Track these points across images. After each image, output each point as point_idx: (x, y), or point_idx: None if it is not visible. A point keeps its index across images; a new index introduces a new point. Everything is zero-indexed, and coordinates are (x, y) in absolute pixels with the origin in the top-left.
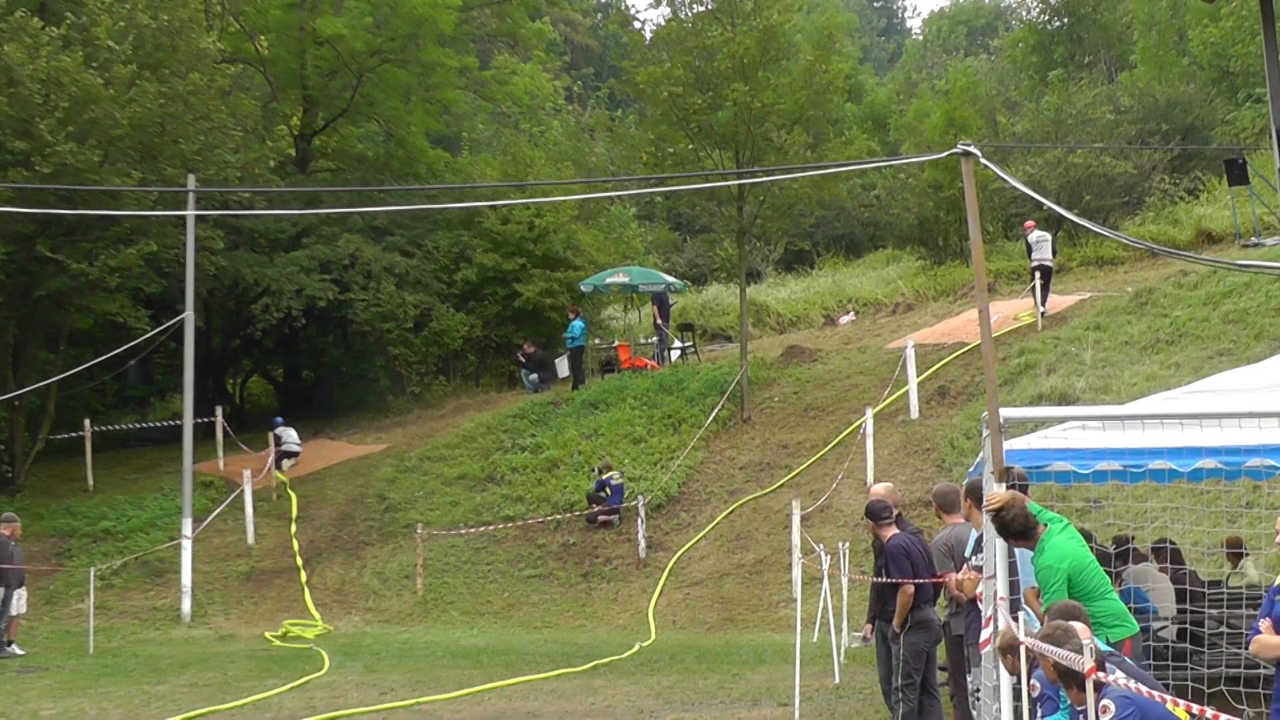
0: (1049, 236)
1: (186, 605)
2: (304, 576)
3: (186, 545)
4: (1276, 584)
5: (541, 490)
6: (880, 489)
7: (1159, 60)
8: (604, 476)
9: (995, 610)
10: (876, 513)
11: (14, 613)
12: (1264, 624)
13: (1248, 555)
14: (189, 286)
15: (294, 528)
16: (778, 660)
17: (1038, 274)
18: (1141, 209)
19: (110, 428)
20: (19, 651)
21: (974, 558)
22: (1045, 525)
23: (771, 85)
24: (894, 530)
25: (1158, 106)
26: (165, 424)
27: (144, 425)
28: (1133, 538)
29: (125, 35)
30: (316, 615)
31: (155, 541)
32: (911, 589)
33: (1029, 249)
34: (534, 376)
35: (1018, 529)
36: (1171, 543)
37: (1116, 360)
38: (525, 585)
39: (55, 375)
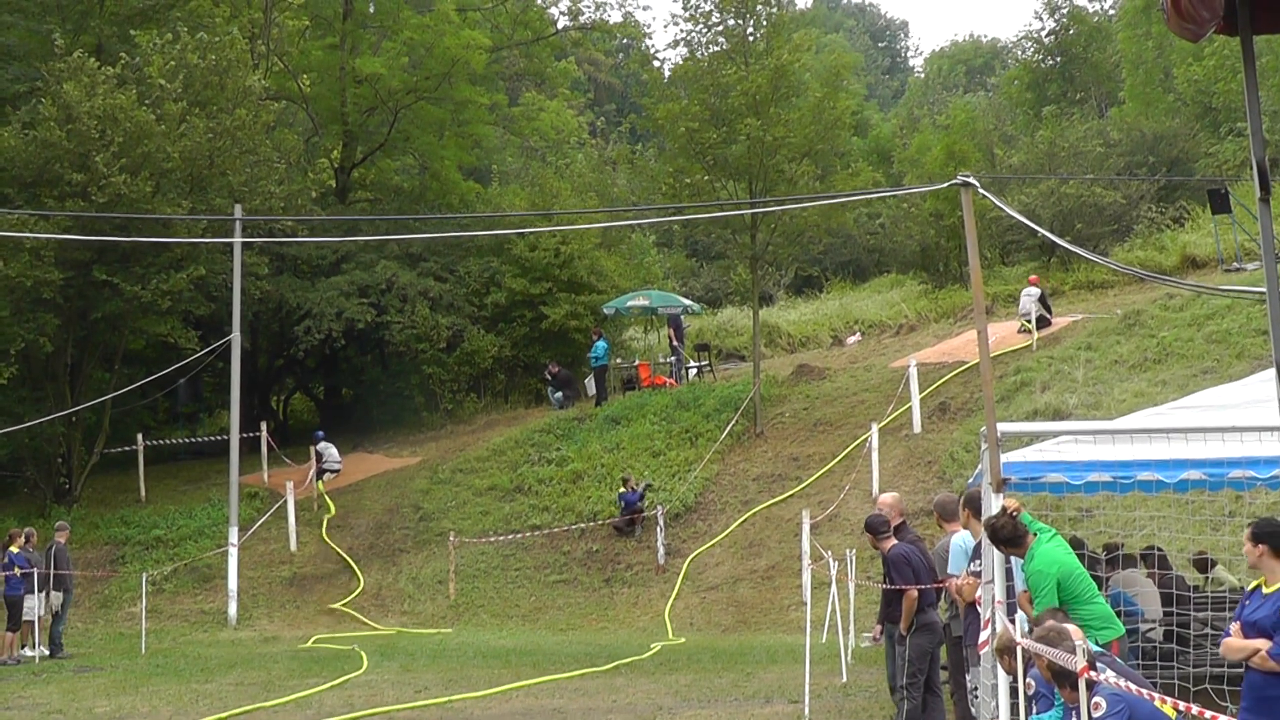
0: (1035, 293)
1: (233, 609)
2: (360, 580)
3: (233, 552)
4: (1248, 589)
5: (566, 500)
6: (888, 498)
7: (1146, 97)
8: (639, 488)
9: (993, 613)
10: (875, 528)
11: (31, 618)
12: (1233, 627)
13: (1214, 565)
14: (235, 309)
15: (328, 533)
16: (788, 660)
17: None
18: (1130, 236)
19: (162, 442)
20: (29, 654)
21: (972, 564)
22: (1035, 535)
23: (782, 120)
24: (893, 541)
25: (1145, 140)
26: (213, 439)
27: (193, 440)
28: (1122, 545)
29: (176, 74)
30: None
31: (203, 549)
32: (915, 594)
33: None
34: (559, 394)
35: (1005, 536)
36: (1159, 549)
37: (1107, 378)
38: (551, 590)
39: (110, 393)
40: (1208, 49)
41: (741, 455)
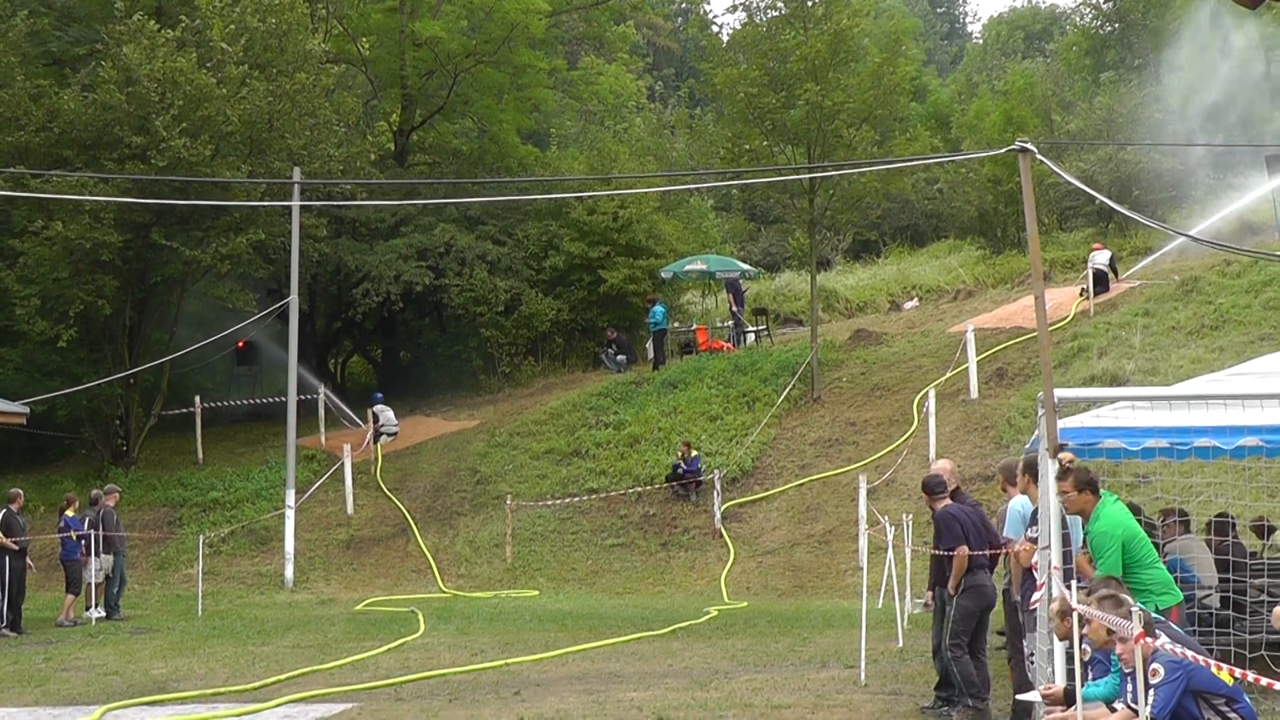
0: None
1: (289, 571)
2: (420, 540)
3: (289, 515)
4: None
5: (624, 464)
6: (942, 464)
7: (1203, 64)
8: (693, 455)
9: (1049, 578)
10: (931, 487)
11: (91, 580)
12: None
13: (1274, 531)
14: (294, 273)
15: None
16: (844, 625)
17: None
18: (1187, 203)
19: (219, 404)
20: (91, 615)
21: (1030, 529)
22: (1100, 496)
23: (841, 86)
24: (946, 502)
25: (1203, 106)
26: (271, 400)
27: (251, 401)
28: (1181, 512)
29: (237, 38)
30: (439, 580)
31: (260, 511)
32: (964, 553)
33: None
34: (621, 358)
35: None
36: (1228, 516)
37: (1164, 344)
38: (608, 554)
39: (169, 355)
40: (1268, 13)
41: (799, 420)
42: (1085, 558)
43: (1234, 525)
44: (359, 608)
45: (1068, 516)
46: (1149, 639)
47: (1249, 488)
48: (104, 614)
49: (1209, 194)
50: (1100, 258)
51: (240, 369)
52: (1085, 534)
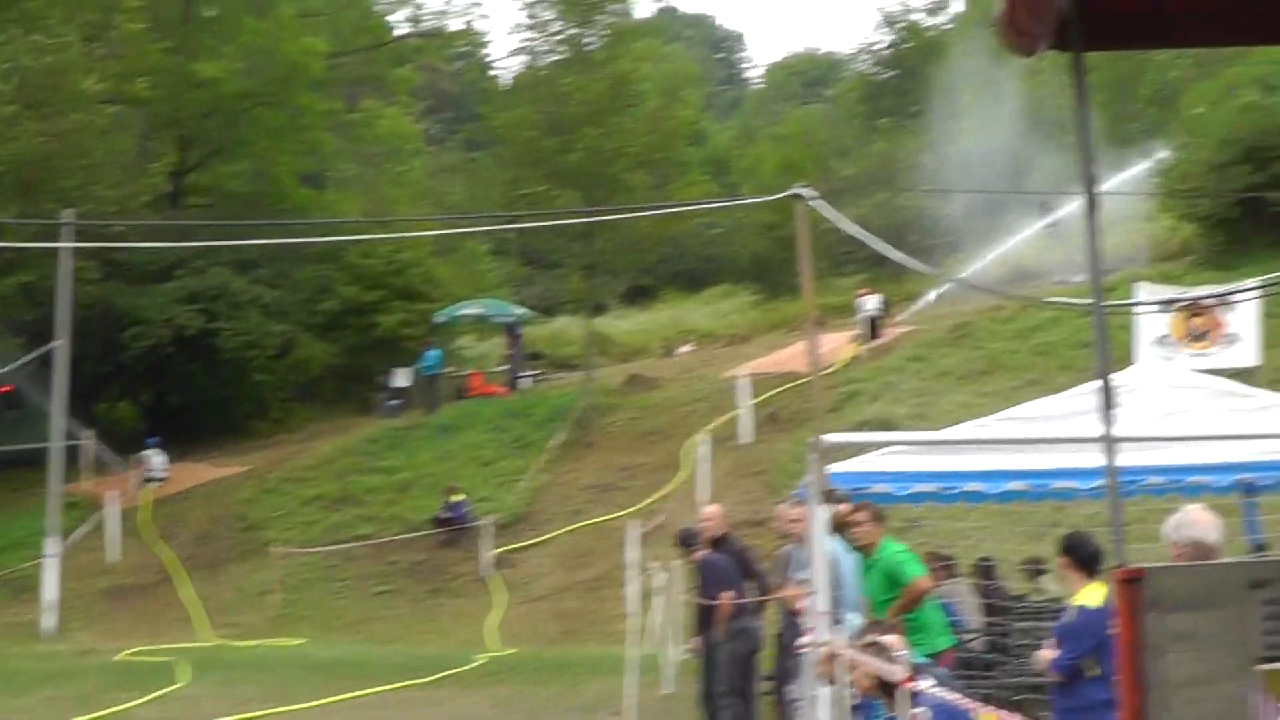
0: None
1: (50, 621)
2: (185, 587)
3: (51, 563)
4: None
5: (394, 510)
6: (711, 509)
7: (981, 111)
8: (453, 500)
9: (816, 622)
10: (685, 540)
11: None
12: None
13: (1046, 572)
14: (62, 316)
15: (151, 543)
16: (613, 672)
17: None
18: (962, 248)
19: None
20: None
21: (800, 573)
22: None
23: (621, 129)
24: (705, 551)
25: (977, 153)
26: (35, 446)
27: (14, 448)
28: (949, 556)
29: (10, 76)
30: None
31: (22, 560)
32: (728, 599)
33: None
34: (391, 402)
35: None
36: (991, 560)
37: (934, 390)
38: (376, 601)
39: None
40: (1043, 65)
41: (572, 465)
42: (865, 601)
43: (989, 568)
44: (119, 658)
45: (839, 560)
46: (913, 683)
47: (1014, 532)
48: None
49: (982, 239)
50: (869, 303)
51: (6, 414)
52: (867, 568)
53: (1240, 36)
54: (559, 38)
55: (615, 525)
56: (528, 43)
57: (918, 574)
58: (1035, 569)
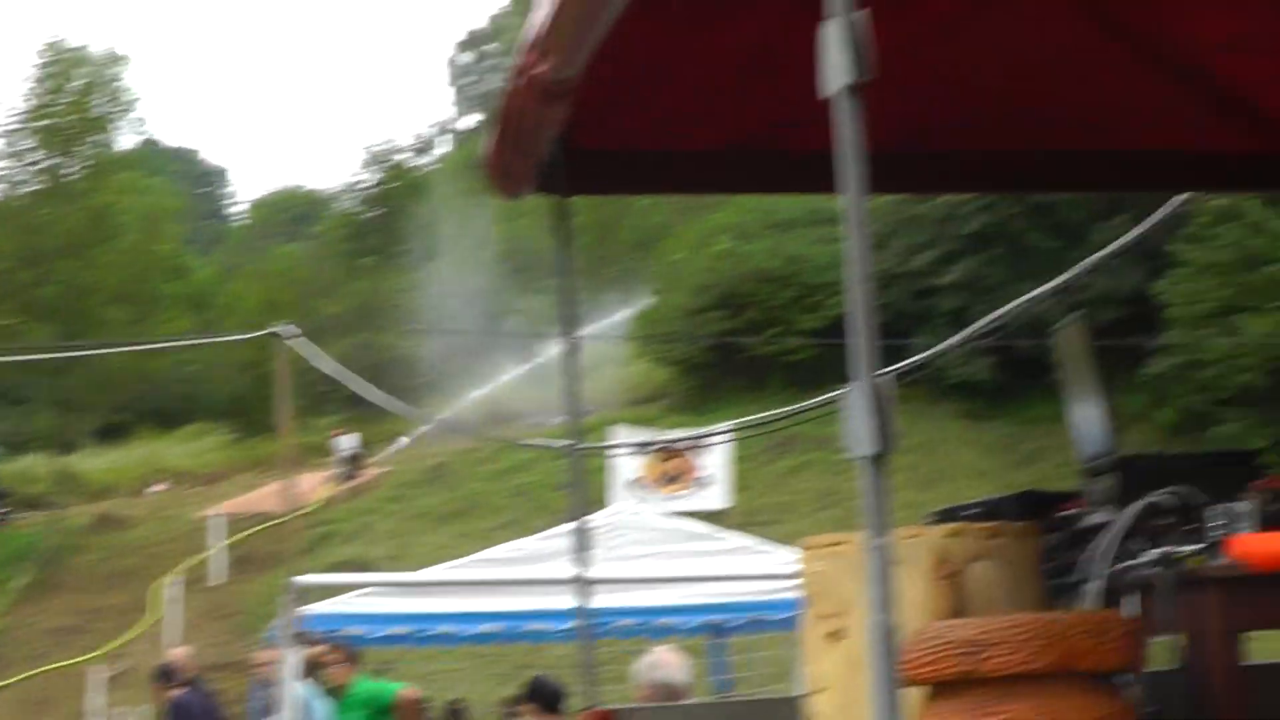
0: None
1: None
2: None
3: None
4: None
5: None
6: (179, 653)
7: (463, 252)
8: None
9: None
10: (164, 675)
11: None
12: None
13: (521, 716)
14: None
15: None
16: None
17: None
18: (443, 388)
19: None
20: None
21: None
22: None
23: (99, 263)
24: (177, 692)
25: (460, 294)
26: None
27: None
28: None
29: None
30: None
31: None
32: None
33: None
34: None
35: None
36: (460, 703)
37: (412, 530)
38: None
39: None
40: (524, 208)
41: (35, 607)
42: None
43: (467, 710)
44: None
45: (311, 704)
46: None
47: (488, 674)
48: None
49: (462, 380)
50: (345, 443)
51: None
52: (343, 710)
53: (717, 186)
54: (37, 167)
55: (81, 670)
56: (5, 171)
57: (398, 688)
58: (511, 712)
